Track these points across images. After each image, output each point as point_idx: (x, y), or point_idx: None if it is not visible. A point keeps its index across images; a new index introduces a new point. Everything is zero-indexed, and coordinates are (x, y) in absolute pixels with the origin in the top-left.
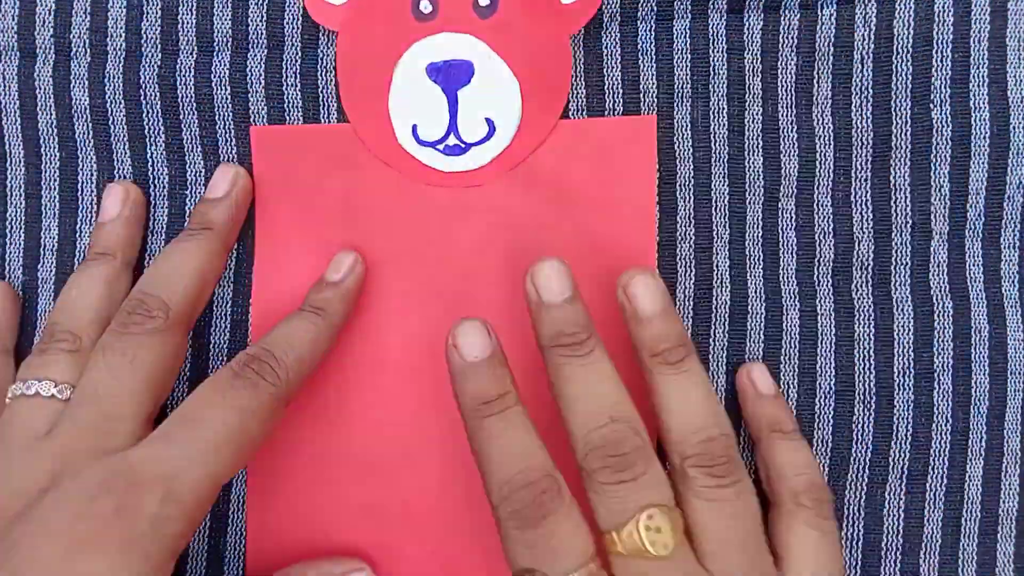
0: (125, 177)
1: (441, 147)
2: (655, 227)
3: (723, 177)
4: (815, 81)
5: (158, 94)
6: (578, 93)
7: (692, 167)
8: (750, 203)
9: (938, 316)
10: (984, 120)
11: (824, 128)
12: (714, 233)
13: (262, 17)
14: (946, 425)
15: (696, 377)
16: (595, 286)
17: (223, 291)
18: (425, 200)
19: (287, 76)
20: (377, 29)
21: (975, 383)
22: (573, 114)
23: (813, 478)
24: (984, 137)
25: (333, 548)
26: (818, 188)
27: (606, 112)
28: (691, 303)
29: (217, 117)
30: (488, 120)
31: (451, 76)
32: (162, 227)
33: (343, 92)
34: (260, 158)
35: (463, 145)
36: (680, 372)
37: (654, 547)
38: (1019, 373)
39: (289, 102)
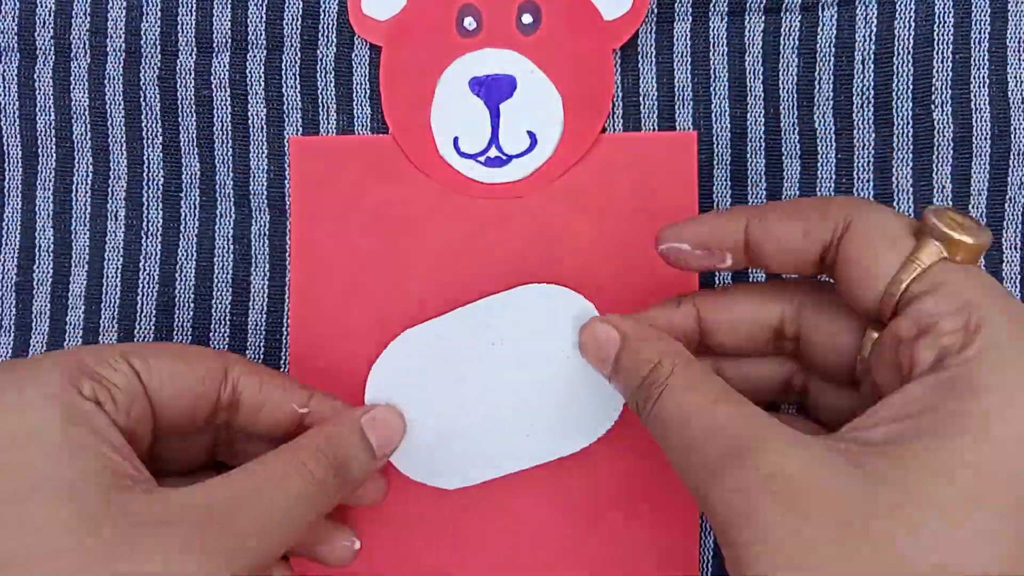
0: (120, 178)
1: (482, 159)
2: None
3: (725, 180)
4: (816, 83)
5: (157, 95)
6: None
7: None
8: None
9: None
10: (985, 121)
11: (826, 129)
12: None
13: (261, 18)
14: None
15: None
16: (635, 301)
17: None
18: (465, 211)
19: (287, 78)
20: (421, 44)
21: None
22: None
23: None
24: (985, 138)
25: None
26: (820, 190)
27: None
28: None
29: (215, 118)
30: (530, 133)
31: (494, 89)
32: (157, 230)
33: (385, 104)
34: (298, 169)
35: (504, 157)
36: None
37: None
38: None
39: (289, 104)
